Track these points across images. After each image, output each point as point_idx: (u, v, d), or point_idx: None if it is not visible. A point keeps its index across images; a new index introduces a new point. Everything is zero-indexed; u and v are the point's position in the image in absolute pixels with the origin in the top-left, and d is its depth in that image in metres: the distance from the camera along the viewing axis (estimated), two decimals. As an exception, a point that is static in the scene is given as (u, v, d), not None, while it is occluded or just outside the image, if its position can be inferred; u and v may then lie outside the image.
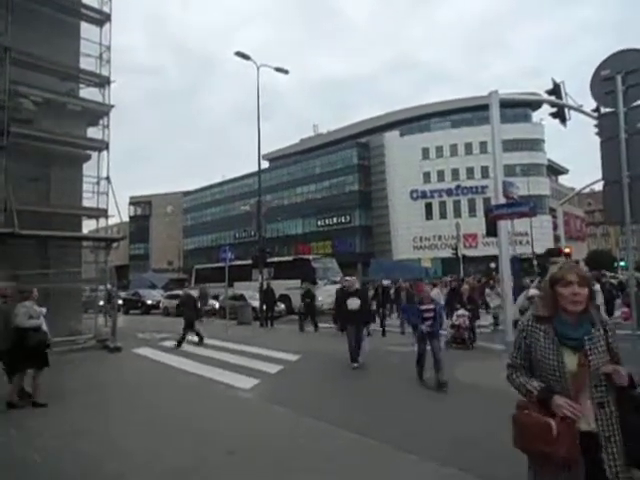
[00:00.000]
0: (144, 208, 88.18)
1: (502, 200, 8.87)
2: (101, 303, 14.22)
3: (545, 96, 11.49)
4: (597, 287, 14.34)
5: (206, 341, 12.70)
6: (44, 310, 6.69)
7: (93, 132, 13.63)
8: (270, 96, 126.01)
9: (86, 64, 13.02)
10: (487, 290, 18.18)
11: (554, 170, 68.75)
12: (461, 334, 10.59)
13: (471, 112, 58.48)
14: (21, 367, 6.27)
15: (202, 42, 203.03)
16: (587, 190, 46.71)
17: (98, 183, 12.70)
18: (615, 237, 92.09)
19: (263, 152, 73.57)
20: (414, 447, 4.44)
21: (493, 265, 46.13)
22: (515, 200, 7.93)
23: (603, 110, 6.12)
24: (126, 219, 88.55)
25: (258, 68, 17.94)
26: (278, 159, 74.34)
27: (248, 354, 10.20)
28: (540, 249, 46.35)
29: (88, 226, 12.79)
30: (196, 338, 12.09)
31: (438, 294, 13.64)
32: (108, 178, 12.66)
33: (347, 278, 10.11)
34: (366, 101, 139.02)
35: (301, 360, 9.54)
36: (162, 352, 10.90)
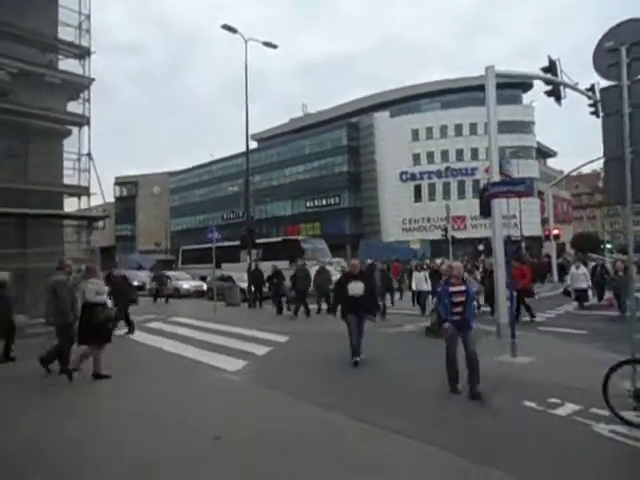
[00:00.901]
0: (130, 188, 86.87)
1: (497, 179, 8.67)
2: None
3: (541, 74, 11.20)
4: (582, 269, 14.37)
5: (193, 322, 12.47)
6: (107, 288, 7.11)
7: (74, 107, 13.09)
8: (258, 76, 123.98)
9: (65, 34, 12.41)
10: (465, 275, 17.58)
11: (542, 153, 68.80)
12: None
13: (461, 93, 57.96)
14: (89, 341, 6.54)
15: (186, 20, 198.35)
16: (574, 173, 46.93)
17: (79, 160, 12.24)
18: (601, 220, 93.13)
19: (252, 132, 72.46)
20: (412, 431, 4.27)
21: (481, 247, 46.47)
22: (511, 178, 7.72)
23: (606, 83, 5.86)
24: (111, 199, 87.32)
25: (246, 42, 17.36)
26: (267, 139, 73.37)
27: (236, 335, 10.00)
28: (528, 232, 46.61)
29: (70, 205, 12.32)
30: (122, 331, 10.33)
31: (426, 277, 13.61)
32: (89, 154, 12.20)
33: (353, 261, 8.25)
34: (355, 82, 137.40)
35: (290, 341, 9.36)
36: (146, 334, 10.63)
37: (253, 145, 72.10)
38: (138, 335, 10.43)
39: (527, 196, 7.11)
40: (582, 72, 11.64)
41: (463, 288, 5.78)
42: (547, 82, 12.11)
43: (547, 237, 24.52)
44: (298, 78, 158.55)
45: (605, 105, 5.90)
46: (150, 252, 66.80)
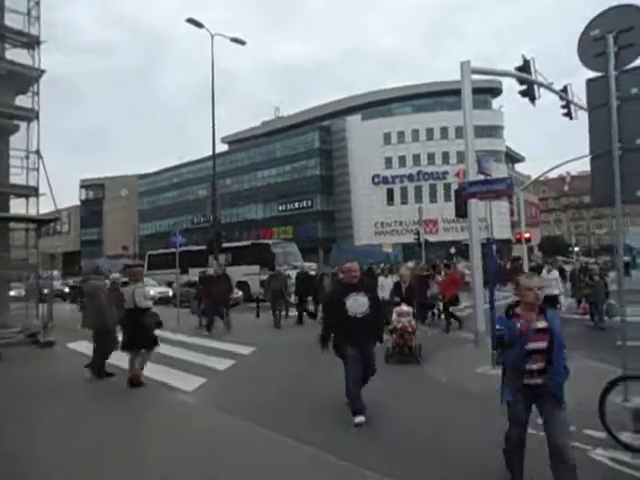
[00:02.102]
0: (97, 191, 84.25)
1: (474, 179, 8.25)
2: (45, 292, 12.93)
3: (516, 72, 10.90)
4: (554, 274, 12.95)
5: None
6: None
7: (23, 101, 12.12)
8: (229, 80, 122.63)
9: (12, 21, 11.45)
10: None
11: (511, 157, 70.03)
12: (406, 341, 7.45)
13: (433, 98, 58.53)
14: (136, 346, 6.46)
15: (155, 22, 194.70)
16: (542, 178, 47.76)
17: (27, 157, 11.27)
18: (567, 224, 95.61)
19: (223, 135, 71.45)
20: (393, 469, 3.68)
21: (453, 250, 46.71)
22: (490, 177, 7.29)
23: (592, 75, 5.47)
24: (77, 203, 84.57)
25: (212, 37, 16.67)
26: (238, 142, 72.33)
27: (197, 347, 9.25)
28: (498, 235, 47.01)
29: (18, 207, 11.31)
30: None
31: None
32: (38, 152, 11.24)
33: (349, 264, 5.25)
34: (326, 87, 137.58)
35: (255, 354, 8.67)
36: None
37: (224, 148, 71.00)
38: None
39: (508, 195, 6.75)
40: (551, 77, 11.55)
41: (544, 325, 3.26)
42: (521, 82, 11.85)
43: (518, 240, 24.54)
44: (269, 82, 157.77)
45: (591, 98, 5.49)
46: (118, 257, 64.68)
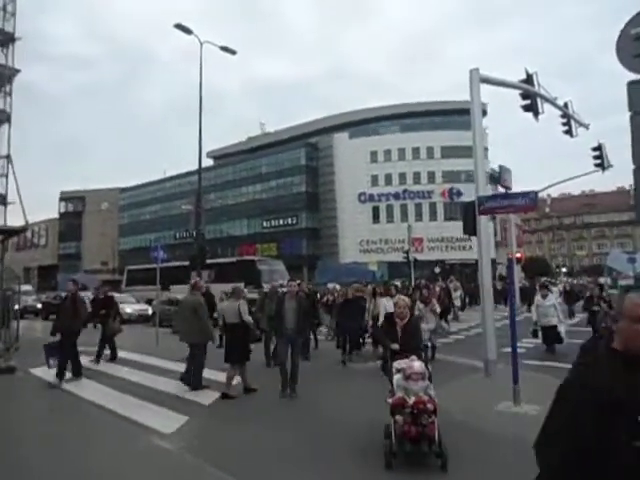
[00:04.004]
0: (76, 204, 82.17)
1: (483, 193, 7.62)
2: (16, 307, 11.84)
3: (523, 85, 10.44)
4: (551, 299, 10.76)
5: (130, 356, 10.64)
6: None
7: (-6, 102, 11.21)
8: (214, 97, 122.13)
9: (-16, 17, 10.62)
10: (419, 305, 9.91)
11: (493, 179, 70.66)
12: (424, 429, 4.12)
13: (419, 117, 58.84)
14: (237, 359, 6.81)
15: (138, 37, 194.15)
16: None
17: (-4, 163, 10.36)
18: (548, 245, 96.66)
19: (208, 149, 70.54)
20: None
21: (437, 270, 46.34)
22: (510, 190, 6.66)
23: (634, 77, 4.90)
24: (55, 215, 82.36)
25: (201, 44, 16.02)
26: (223, 157, 71.59)
27: (178, 375, 8.29)
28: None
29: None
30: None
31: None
32: (9, 157, 10.32)
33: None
34: (310, 106, 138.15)
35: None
36: (68, 372, 8.76)
37: (209, 162, 70.13)
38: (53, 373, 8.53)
39: (531, 210, 6.09)
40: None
41: None
42: (524, 96, 11.44)
43: (510, 260, 24.25)
44: (254, 100, 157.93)
45: (633, 102, 4.90)
46: (96, 272, 62.80)
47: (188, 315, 7.36)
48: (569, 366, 5.42)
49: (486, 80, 8.47)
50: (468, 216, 7.87)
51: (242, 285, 8.05)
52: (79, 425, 5.63)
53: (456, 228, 55.55)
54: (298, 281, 8.57)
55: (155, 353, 10.63)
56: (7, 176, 10.24)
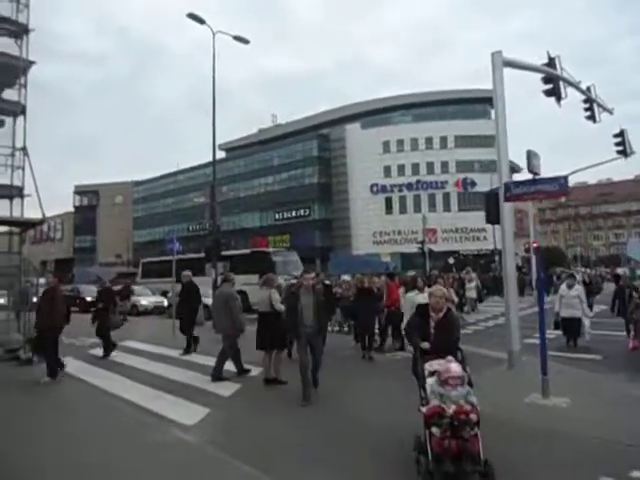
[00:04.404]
0: (91, 198, 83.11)
1: (507, 180, 7.39)
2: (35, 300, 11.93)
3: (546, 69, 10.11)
4: (576, 289, 10.18)
5: (148, 348, 10.65)
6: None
7: (9, 95, 11.21)
8: (224, 91, 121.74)
9: (-2, 8, 10.57)
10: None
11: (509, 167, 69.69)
12: (465, 443, 3.44)
13: (432, 107, 58.11)
14: (271, 347, 6.85)
15: (149, 31, 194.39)
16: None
17: (12, 155, 10.33)
18: (563, 235, 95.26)
19: (220, 142, 70.50)
20: None
21: (451, 261, 45.88)
22: (539, 176, 6.42)
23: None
24: (70, 209, 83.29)
25: (214, 34, 15.83)
26: (235, 149, 71.56)
27: (197, 367, 8.23)
28: (500, 245, 46.39)
29: (1, 209, 10.32)
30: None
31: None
32: (24, 149, 10.29)
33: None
34: (321, 97, 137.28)
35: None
36: (87, 364, 8.75)
37: (221, 155, 70.14)
38: (74, 367, 8.52)
39: (562, 196, 5.79)
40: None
41: None
42: (546, 81, 11.10)
43: (527, 250, 23.83)
44: (265, 92, 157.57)
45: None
46: (111, 265, 63.47)
47: (220, 307, 7.49)
48: (594, 357, 5.15)
49: (509, 63, 8.17)
50: (491, 204, 7.66)
51: (273, 275, 7.77)
52: (98, 416, 5.58)
53: (470, 218, 55.30)
54: (313, 274, 7.64)
55: (171, 344, 10.60)
56: (24, 169, 10.23)
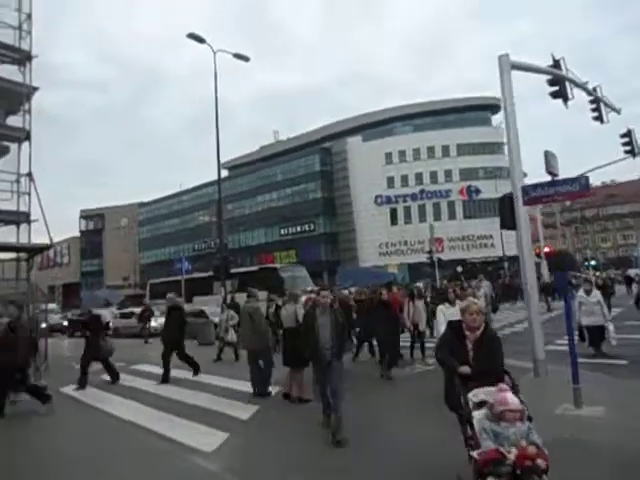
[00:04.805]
0: (96, 222, 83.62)
1: (522, 184, 7.22)
2: (43, 326, 11.81)
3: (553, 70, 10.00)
4: (595, 295, 9.63)
5: (157, 370, 10.42)
6: None
7: (13, 121, 11.23)
8: (224, 110, 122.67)
9: (1, 36, 10.62)
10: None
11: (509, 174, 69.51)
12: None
13: (432, 116, 58.29)
14: (296, 363, 6.69)
15: (146, 56, 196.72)
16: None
17: (18, 181, 10.28)
18: (571, 238, 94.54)
19: (222, 160, 71.11)
20: None
21: (459, 269, 45.47)
22: (558, 177, 6.24)
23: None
24: (77, 234, 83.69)
25: (215, 53, 15.92)
26: (238, 167, 71.91)
27: (210, 388, 8.02)
28: (508, 251, 46.08)
29: (7, 235, 10.24)
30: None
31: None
32: (30, 175, 10.24)
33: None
34: (322, 112, 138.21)
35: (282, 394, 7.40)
36: (97, 390, 8.56)
37: (224, 173, 70.42)
38: (85, 393, 8.33)
39: (583, 196, 5.59)
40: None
41: None
42: (552, 83, 11.00)
43: (537, 255, 23.58)
44: (265, 110, 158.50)
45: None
46: (118, 287, 63.54)
47: (246, 322, 7.61)
48: (619, 362, 4.70)
49: (516, 66, 8.06)
50: (505, 209, 7.47)
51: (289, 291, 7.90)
52: (114, 444, 5.38)
53: (476, 226, 54.98)
54: (328, 291, 6.21)
55: (183, 366, 10.36)
56: (29, 194, 10.16)
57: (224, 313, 12.69)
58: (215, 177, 17.56)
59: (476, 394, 3.24)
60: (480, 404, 3.15)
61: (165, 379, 8.96)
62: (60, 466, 4.72)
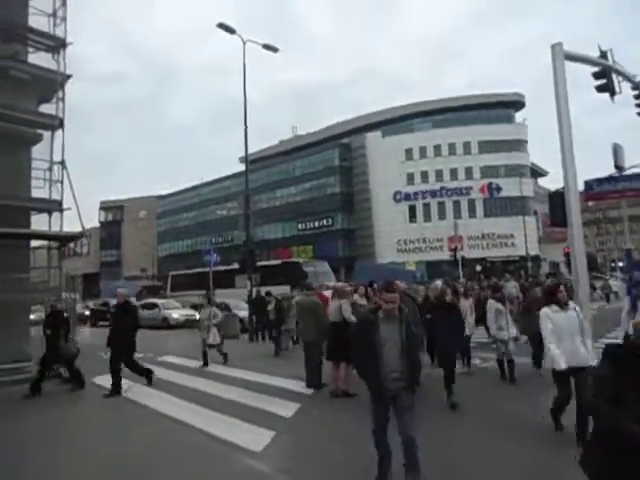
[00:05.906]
0: (115, 213, 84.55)
1: (576, 183, 6.89)
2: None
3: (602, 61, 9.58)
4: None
5: (187, 363, 10.33)
6: None
7: (46, 109, 11.15)
8: (242, 105, 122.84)
9: (36, 23, 10.53)
10: (495, 305, 7.75)
11: (534, 172, 68.24)
12: None
13: (453, 113, 57.39)
14: (340, 357, 6.68)
15: (166, 49, 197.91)
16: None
17: (50, 169, 10.20)
18: (592, 239, 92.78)
19: (240, 154, 71.16)
20: None
21: (479, 268, 44.82)
22: (624, 172, 5.90)
23: None
24: (96, 224, 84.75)
25: (244, 43, 15.74)
26: (257, 161, 71.77)
27: (243, 383, 7.85)
28: (530, 251, 45.35)
29: (39, 224, 10.18)
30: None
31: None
32: (63, 162, 10.15)
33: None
34: (340, 108, 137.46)
35: (322, 392, 7.12)
36: (129, 380, 8.45)
37: (242, 167, 70.47)
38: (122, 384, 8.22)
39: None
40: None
41: None
42: (598, 76, 10.56)
43: (566, 254, 22.98)
44: (284, 106, 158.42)
45: None
46: (136, 278, 64.21)
47: (307, 315, 7.82)
48: None
49: (569, 56, 7.69)
50: (556, 206, 7.12)
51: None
52: (156, 440, 5.22)
53: (497, 224, 54.13)
54: (395, 293, 3.97)
55: (212, 359, 10.24)
56: (62, 182, 10.08)
57: (206, 309, 10.65)
58: (232, 171, 17.46)
59: None
60: None
61: (117, 390, 7.57)
62: (92, 458, 4.57)
